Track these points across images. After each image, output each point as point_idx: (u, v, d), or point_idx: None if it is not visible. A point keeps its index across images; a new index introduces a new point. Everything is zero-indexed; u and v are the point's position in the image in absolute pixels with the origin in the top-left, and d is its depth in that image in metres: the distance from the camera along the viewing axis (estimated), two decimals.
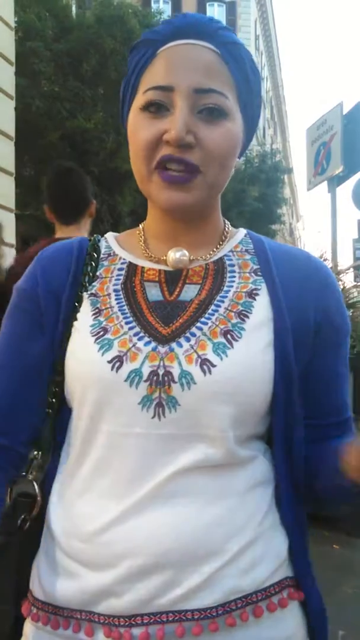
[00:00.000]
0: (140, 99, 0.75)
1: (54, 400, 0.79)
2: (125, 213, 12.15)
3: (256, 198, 15.33)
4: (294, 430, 0.77)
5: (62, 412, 0.79)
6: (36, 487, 0.78)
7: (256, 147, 20.53)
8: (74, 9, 13.26)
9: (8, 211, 5.26)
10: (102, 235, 0.89)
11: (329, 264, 5.10)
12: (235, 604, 0.70)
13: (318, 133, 7.25)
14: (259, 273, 0.80)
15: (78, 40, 11.22)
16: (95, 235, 0.88)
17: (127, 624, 0.68)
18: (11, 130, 5.49)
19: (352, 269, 6.08)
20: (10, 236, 5.51)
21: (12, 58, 5.63)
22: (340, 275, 5.07)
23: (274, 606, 0.73)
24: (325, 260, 5.01)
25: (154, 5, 22.41)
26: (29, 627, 0.76)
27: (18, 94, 5.91)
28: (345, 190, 6.98)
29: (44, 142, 10.80)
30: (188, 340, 0.73)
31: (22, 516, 0.80)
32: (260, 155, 18.52)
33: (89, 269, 0.82)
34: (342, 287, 4.79)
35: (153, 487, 0.69)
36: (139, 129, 0.74)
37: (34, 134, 10.06)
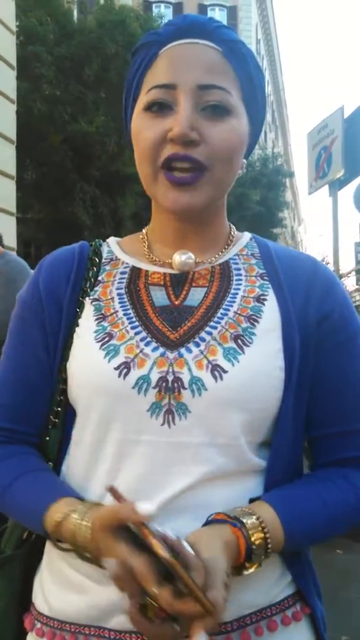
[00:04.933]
0: (143, 99, 0.73)
1: (59, 409, 0.77)
2: (127, 216, 12.18)
3: (258, 202, 15.36)
4: (289, 436, 0.74)
5: (68, 421, 0.77)
6: None
7: (257, 151, 20.56)
8: (75, 13, 13.32)
9: (9, 214, 5.26)
10: (105, 240, 0.88)
11: (331, 267, 5.09)
12: (250, 618, 0.68)
13: (319, 137, 7.25)
14: (265, 277, 0.79)
15: (79, 44, 11.30)
16: (97, 239, 0.87)
17: (139, 639, 0.66)
18: (12, 134, 5.51)
19: (354, 273, 6.07)
20: (11, 239, 5.51)
21: (14, 62, 5.65)
22: (342, 279, 5.06)
23: (288, 620, 0.71)
24: (327, 263, 4.99)
25: (155, 10, 22.49)
26: None
27: (20, 97, 5.94)
28: (346, 193, 6.98)
29: (45, 146, 10.85)
30: (197, 345, 0.71)
31: (28, 530, 0.78)
32: (262, 159, 18.55)
33: (90, 273, 0.80)
34: None
35: (165, 501, 0.67)
36: (143, 129, 0.72)
37: (35, 138, 10.10)
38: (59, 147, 10.78)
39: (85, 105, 11.18)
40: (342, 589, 2.96)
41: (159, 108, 0.71)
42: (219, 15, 25.32)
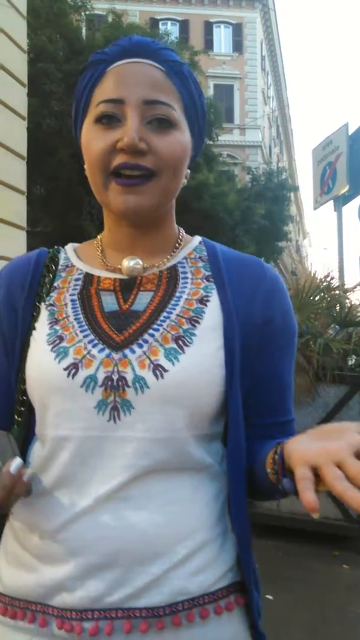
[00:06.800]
0: (92, 113, 0.79)
1: (22, 408, 0.83)
2: None
3: (263, 215, 15.40)
4: (242, 429, 0.80)
5: (32, 418, 0.82)
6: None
7: (262, 166, 20.70)
8: (84, 30, 13.53)
9: (20, 229, 5.33)
10: (63, 247, 0.93)
11: (336, 281, 5.08)
12: (182, 605, 0.73)
13: (324, 153, 7.33)
14: (211, 279, 0.84)
15: None
16: (55, 247, 0.92)
17: (78, 617, 0.72)
18: (23, 150, 5.58)
19: (359, 287, 6.07)
20: (21, 253, 5.57)
21: (25, 80, 5.74)
22: (347, 293, 5.04)
23: (221, 609, 0.76)
24: (332, 278, 5.00)
25: (162, 27, 22.82)
26: None
27: (29, 113, 6.01)
28: (351, 207, 7.03)
29: (54, 161, 10.97)
30: (141, 346, 0.76)
31: None
32: (267, 174, 18.67)
33: (45, 280, 0.85)
34: (349, 305, 4.77)
35: (109, 490, 0.73)
36: (93, 140, 0.77)
37: (44, 153, 10.21)
38: (68, 161, 10.89)
39: None
40: (349, 605, 2.96)
41: (108, 121, 0.77)
42: (224, 33, 25.66)
